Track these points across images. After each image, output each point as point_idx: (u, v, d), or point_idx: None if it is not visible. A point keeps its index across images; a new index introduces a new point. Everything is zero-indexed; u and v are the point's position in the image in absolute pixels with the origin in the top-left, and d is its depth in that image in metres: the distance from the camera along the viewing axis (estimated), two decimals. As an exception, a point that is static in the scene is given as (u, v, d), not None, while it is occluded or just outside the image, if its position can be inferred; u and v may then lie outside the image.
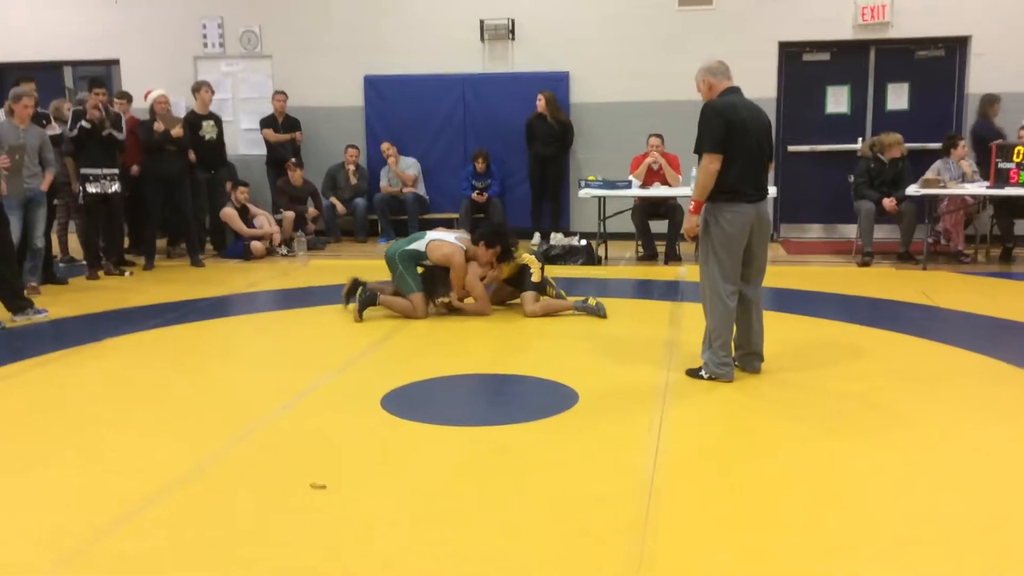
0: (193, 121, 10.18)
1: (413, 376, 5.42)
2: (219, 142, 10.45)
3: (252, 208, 10.42)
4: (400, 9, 11.43)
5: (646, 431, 4.44)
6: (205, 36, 11.83)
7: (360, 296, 6.91)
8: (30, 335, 6.75)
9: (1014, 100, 10.19)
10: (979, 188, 9.11)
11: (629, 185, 9.60)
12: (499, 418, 4.78)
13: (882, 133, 9.67)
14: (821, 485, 3.82)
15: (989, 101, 10.21)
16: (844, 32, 10.67)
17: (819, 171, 11.05)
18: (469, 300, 7.09)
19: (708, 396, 5.02)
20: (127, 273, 9.16)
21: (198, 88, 10.41)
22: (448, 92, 11.37)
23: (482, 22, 11.14)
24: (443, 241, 6.96)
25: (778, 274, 8.22)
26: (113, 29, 11.91)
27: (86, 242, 9.18)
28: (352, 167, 11.26)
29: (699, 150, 5.10)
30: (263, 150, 11.34)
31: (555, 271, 8.38)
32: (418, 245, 6.97)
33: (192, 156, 9.79)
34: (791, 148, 11.07)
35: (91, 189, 8.76)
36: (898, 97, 10.93)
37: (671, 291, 8.08)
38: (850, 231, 10.50)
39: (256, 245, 10.08)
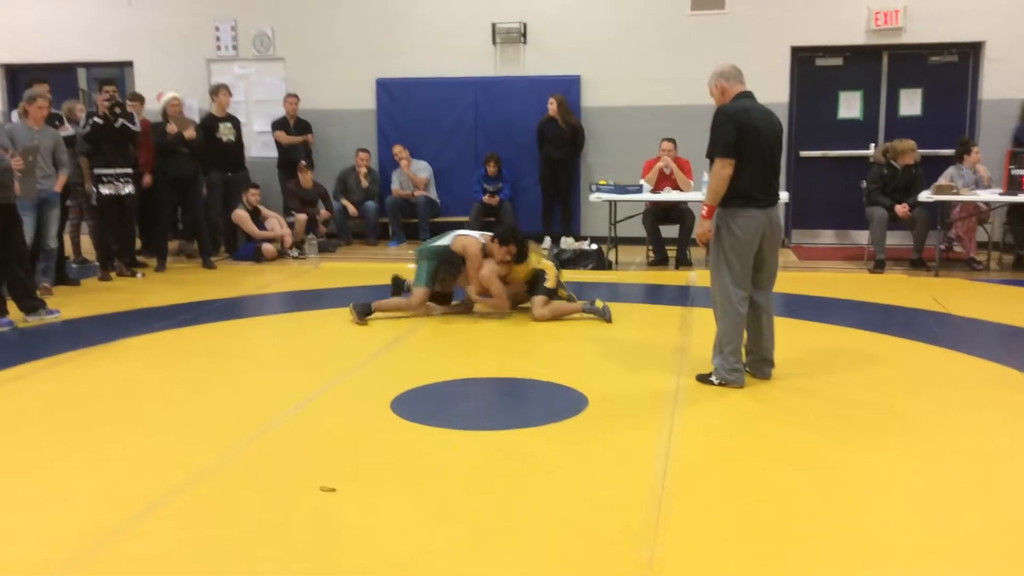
0: (210, 123, 10.25)
1: (423, 379, 5.42)
2: (237, 144, 10.51)
3: (264, 210, 10.45)
4: (412, 12, 11.45)
5: (656, 436, 4.43)
6: (218, 38, 11.87)
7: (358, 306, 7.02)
8: (42, 335, 6.78)
9: (1029, 106, 10.16)
10: (992, 195, 9.07)
11: (640, 189, 9.58)
12: (509, 422, 4.78)
13: (895, 139, 9.62)
14: (832, 492, 3.81)
15: None
16: (857, 37, 10.63)
17: (831, 177, 11.01)
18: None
19: (718, 402, 5.01)
20: (139, 274, 9.20)
21: (216, 91, 10.47)
22: (460, 95, 11.38)
23: (494, 25, 11.15)
24: (467, 235, 7.22)
25: (789, 280, 8.20)
26: (126, 31, 11.96)
27: (99, 243, 9.22)
28: (363, 170, 11.28)
29: (711, 155, 5.09)
30: (275, 152, 11.37)
31: (565, 275, 8.36)
32: (445, 240, 7.20)
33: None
34: (803, 153, 11.04)
35: (104, 191, 8.80)
36: (911, 103, 10.88)
37: (681, 296, 8.07)
38: (862, 237, 10.46)
39: (267, 247, 10.10)
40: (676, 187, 9.70)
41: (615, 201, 9.57)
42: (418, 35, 11.41)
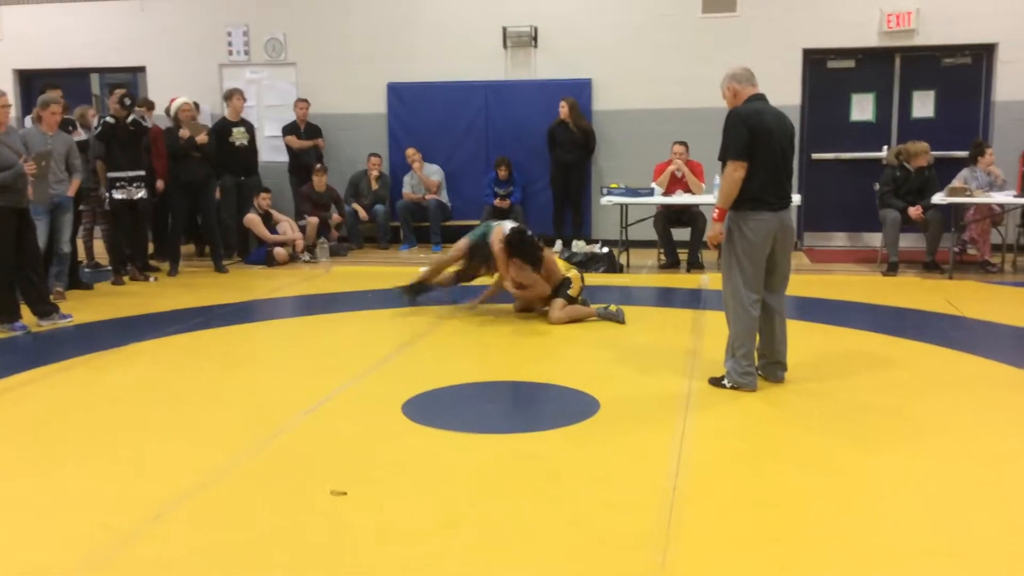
0: (223, 128, 10.30)
1: (434, 382, 5.42)
2: (250, 149, 10.56)
3: (275, 214, 10.48)
4: (423, 16, 11.47)
5: (668, 440, 4.41)
6: (230, 44, 11.92)
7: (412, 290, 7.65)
8: (55, 340, 6.80)
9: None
10: (1006, 197, 9.02)
11: (651, 192, 9.57)
12: (520, 425, 4.77)
13: (908, 141, 9.58)
14: (844, 495, 3.79)
15: None
16: (869, 39, 10.60)
17: (844, 179, 10.98)
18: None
19: (731, 405, 4.99)
20: (152, 279, 9.23)
21: (230, 96, 10.53)
22: (471, 99, 11.39)
23: (505, 29, 11.16)
24: (501, 227, 7.26)
25: (802, 283, 8.16)
26: (139, 37, 12.02)
27: (111, 248, 9.26)
28: (375, 173, 11.30)
29: (723, 157, 5.08)
30: (286, 157, 11.40)
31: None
32: (487, 230, 7.35)
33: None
34: (815, 156, 11.00)
35: (117, 196, 8.84)
36: (924, 105, 10.83)
37: (693, 299, 8.04)
38: (875, 240, 10.41)
39: (279, 251, 10.13)
40: (688, 190, 9.68)
41: (626, 204, 9.56)
42: (429, 39, 11.43)
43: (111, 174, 8.86)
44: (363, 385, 5.48)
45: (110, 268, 9.31)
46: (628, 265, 9.67)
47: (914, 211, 9.15)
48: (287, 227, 10.44)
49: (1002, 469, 4.07)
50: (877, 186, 9.61)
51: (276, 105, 11.85)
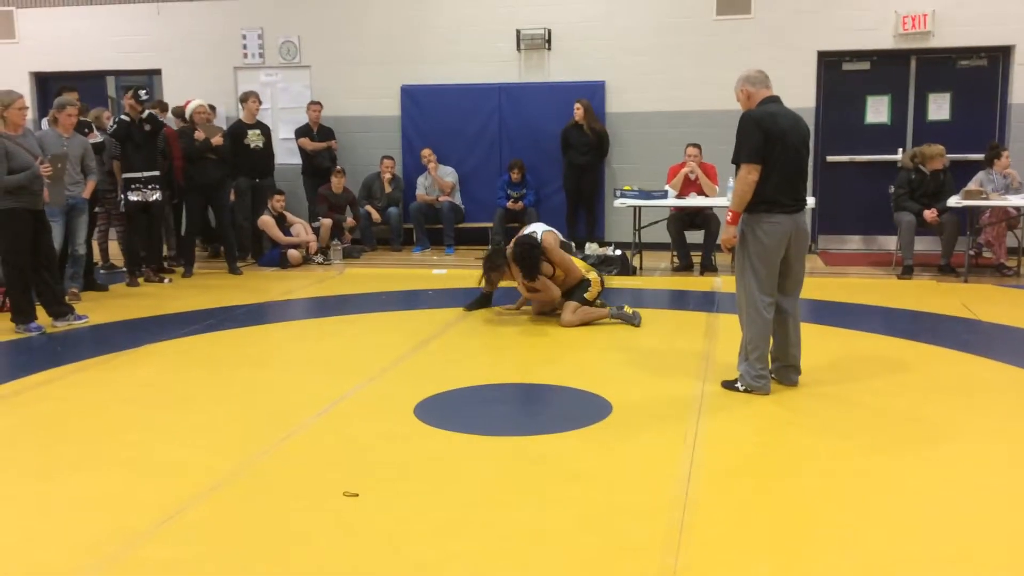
0: (239, 130, 10.35)
1: (446, 385, 5.42)
2: (266, 151, 10.60)
3: (289, 216, 10.51)
4: (437, 19, 11.48)
5: (681, 443, 4.39)
6: (245, 47, 11.96)
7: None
8: (70, 340, 6.84)
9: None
10: (1022, 200, 8.95)
11: (665, 195, 9.55)
12: (532, 428, 4.76)
13: (923, 144, 9.52)
14: (859, 500, 3.76)
15: None
16: (885, 41, 10.54)
17: (859, 182, 10.92)
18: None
19: (744, 409, 4.96)
20: (166, 280, 9.27)
21: (245, 98, 10.59)
22: (484, 101, 11.39)
23: (518, 32, 11.16)
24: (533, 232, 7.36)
25: (817, 286, 8.13)
26: (155, 40, 12.08)
27: (127, 249, 9.31)
28: (388, 176, 11.32)
29: (737, 160, 5.06)
30: (299, 159, 11.44)
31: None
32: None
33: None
34: (830, 158, 10.95)
35: (132, 197, 8.88)
36: (939, 107, 10.77)
37: (706, 302, 8.02)
38: (890, 243, 10.35)
39: (292, 253, 10.16)
40: (701, 193, 9.66)
41: (639, 206, 9.54)
42: (443, 42, 11.44)
43: (126, 175, 8.91)
44: (375, 387, 5.48)
45: (125, 270, 9.36)
46: (641, 267, 9.65)
47: (929, 214, 9.09)
48: (301, 229, 10.47)
49: (1017, 475, 4.04)
50: (892, 189, 9.56)
51: (290, 107, 11.89)
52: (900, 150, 10.60)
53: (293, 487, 3.95)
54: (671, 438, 4.47)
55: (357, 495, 3.79)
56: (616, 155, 11.12)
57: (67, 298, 7.60)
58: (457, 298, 7.97)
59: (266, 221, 10.23)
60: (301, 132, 11.31)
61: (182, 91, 11.28)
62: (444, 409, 5.01)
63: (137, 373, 5.91)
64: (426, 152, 11.25)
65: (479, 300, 7.60)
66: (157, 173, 9.06)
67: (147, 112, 8.90)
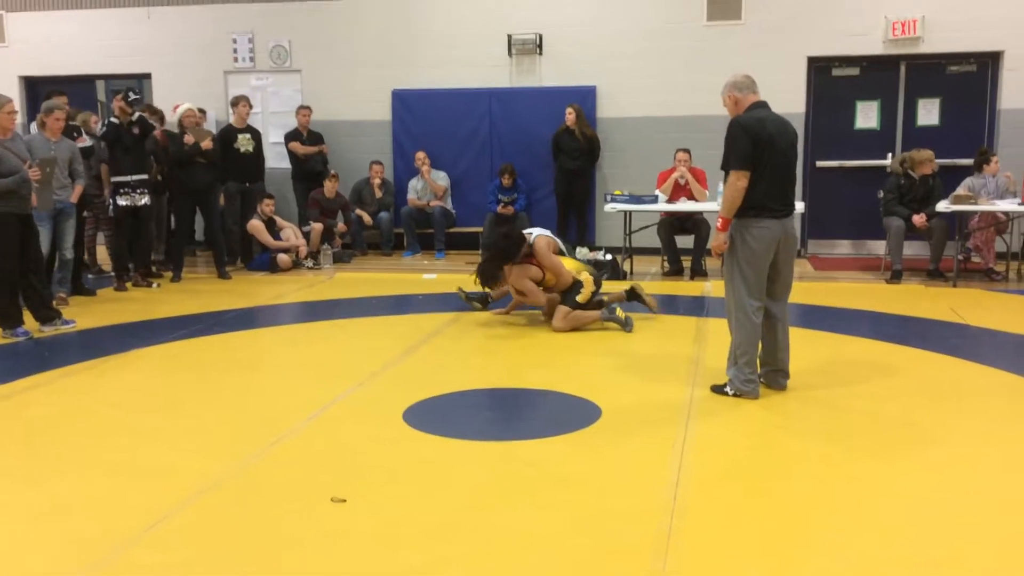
0: (229, 134, 10.33)
1: (436, 390, 5.41)
2: (256, 156, 10.58)
3: (279, 220, 10.49)
4: (428, 23, 11.49)
5: (670, 447, 4.39)
6: (235, 51, 11.95)
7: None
8: (57, 345, 6.81)
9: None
10: (1010, 205, 8.99)
11: (655, 200, 9.56)
12: (522, 433, 4.76)
13: (913, 149, 9.56)
14: (848, 504, 3.76)
15: None
16: (874, 47, 10.59)
17: (848, 187, 10.96)
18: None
19: (733, 413, 4.96)
20: (155, 285, 9.24)
21: (236, 102, 10.58)
22: (475, 106, 11.40)
23: (510, 37, 11.17)
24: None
25: (806, 290, 8.16)
26: (145, 43, 12.06)
27: (114, 254, 9.27)
28: (377, 181, 11.31)
29: (726, 167, 5.07)
30: (289, 163, 11.42)
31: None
32: None
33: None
34: (820, 163, 10.99)
35: (121, 202, 8.84)
36: (929, 113, 10.82)
37: (696, 307, 8.03)
38: (879, 247, 10.39)
39: (282, 257, 10.13)
40: (692, 197, 9.68)
41: (630, 211, 9.55)
42: (434, 46, 11.45)
43: (115, 179, 8.87)
44: (364, 392, 5.47)
45: (113, 274, 9.32)
46: (632, 272, 9.65)
47: (918, 219, 9.12)
48: (291, 233, 10.45)
49: (1007, 479, 4.05)
50: (881, 194, 9.59)
51: (280, 112, 11.87)
52: (889, 155, 10.64)
53: (282, 491, 3.93)
54: (660, 442, 4.47)
55: (345, 501, 3.78)
56: (607, 160, 11.13)
57: (55, 303, 7.57)
58: (448, 303, 7.96)
59: (255, 226, 10.20)
60: (291, 136, 11.30)
61: (172, 95, 11.24)
62: (434, 414, 5.00)
63: (125, 378, 5.89)
64: (420, 155, 11.24)
65: (479, 296, 7.69)
66: (146, 177, 9.02)
67: (136, 115, 8.87)
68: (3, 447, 4.61)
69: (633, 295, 7.41)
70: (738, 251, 5.09)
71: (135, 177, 8.88)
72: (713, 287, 8.75)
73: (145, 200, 8.98)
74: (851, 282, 9.27)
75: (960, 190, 9.15)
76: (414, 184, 11.36)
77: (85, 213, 9.00)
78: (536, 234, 7.27)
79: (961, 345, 6.47)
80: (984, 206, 8.97)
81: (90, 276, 9.64)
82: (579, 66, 11.13)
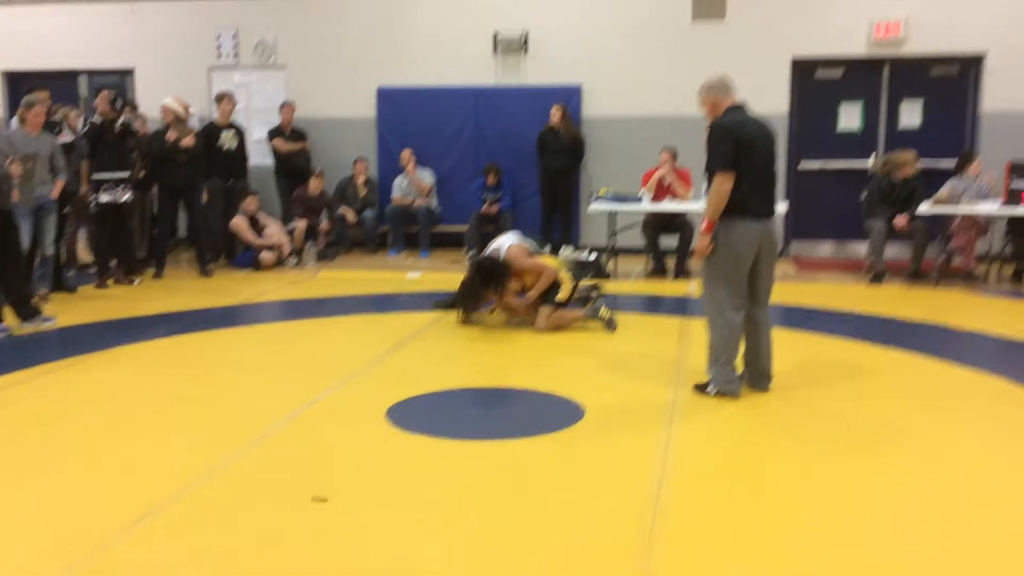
0: (212, 131, 10.28)
1: (419, 389, 5.41)
2: (239, 153, 10.53)
3: (263, 218, 10.44)
4: (414, 21, 11.47)
5: (652, 447, 4.41)
6: (220, 47, 11.89)
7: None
8: (38, 342, 6.76)
9: (1028, 119, 10.17)
10: (991, 207, 9.05)
11: (639, 199, 9.57)
12: (505, 432, 4.76)
13: (895, 151, 9.62)
14: (828, 505, 3.78)
15: None
16: (858, 48, 10.64)
17: (831, 188, 11.01)
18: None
19: (716, 413, 4.98)
20: (136, 282, 9.18)
21: (220, 99, 10.52)
22: (460, 104, 11.38)
23: (495, 35, 11.16)
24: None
25: (788, 290, 8.18)
26: (129, 39, 11.98)
27: (96, 250, 9.21)
28: (361, 179, 11.29)
29: (710, 170, 5.08)
30: (272, 160, 11.37)
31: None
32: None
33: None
34: (803, 164, 11.03)
35: (103, 198, 8.78)
36: (911, 114, 10.88)
37: (680, 306, 8.05)
38: (861, 249, 10.43)
39: (265, 255, 10.09)
40: (676, 197, 9.69)
41: (615, 211, 9.56)
42: (419, 44, 11.42)
43: (96, 176, 8.80)
44: (347, 390, 5.46)
45: (94, 271, 9.26)
46: (616, 272, 9.67)
47: (900, 220, 9.17)
48: (275, 230, 10.41)
49: (983, 480, 4.08)
50: (863, 195, 9.64)
51: (265, 108, 11.82)
52: (872, 156, 10.70)
53: (265, 490, 3.92)
54: (643, 442, 4.48)
55: (326, 500, 3.77)
56: (592, 159, 11.13)
57: (35, 299, 7.50)
58: (432, 301, 7.94)
59: (238, 224, 10.15)
60: (274, 133, 11.25)
61: (155, 91, 11.17)
62: (416, 413, 5.00)
63: (107, 375, 5.85)
64: (405, 153, 11.20)
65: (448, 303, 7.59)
66: (128, 173, 8.96)
67: (123, 119, 8.81)
68: (-18, 445, 4.58)
69: (593, 305, 7.21)
70: (720, 252, 5.10)
71: (117, 174, 8.82)
72: (697, 287, 8.75)
73: (127, 196, 8.91)
74: (833, 283, 9.31)
75: (942, 192, 9.20)
76: (399, 182, 11.33)
77: (66, 209, 8.93)
78: (507, 246, 7.18)
79: (941, 347, 6.51)
80: (964, 208, 9.02)
81: (71, 273, 9.58)
82: (564, 65, 11.13)
